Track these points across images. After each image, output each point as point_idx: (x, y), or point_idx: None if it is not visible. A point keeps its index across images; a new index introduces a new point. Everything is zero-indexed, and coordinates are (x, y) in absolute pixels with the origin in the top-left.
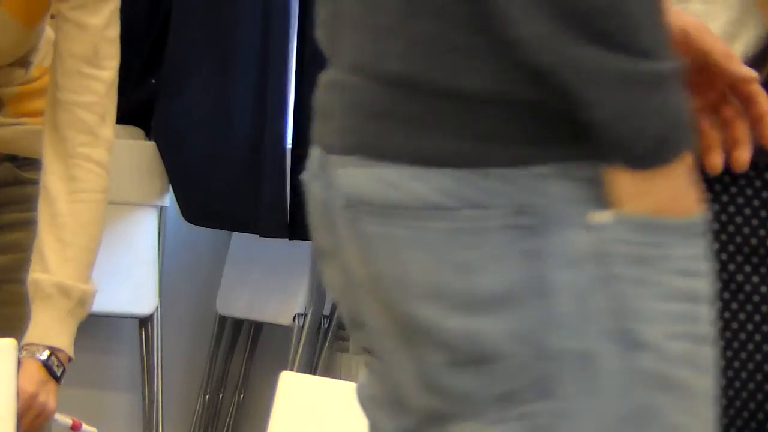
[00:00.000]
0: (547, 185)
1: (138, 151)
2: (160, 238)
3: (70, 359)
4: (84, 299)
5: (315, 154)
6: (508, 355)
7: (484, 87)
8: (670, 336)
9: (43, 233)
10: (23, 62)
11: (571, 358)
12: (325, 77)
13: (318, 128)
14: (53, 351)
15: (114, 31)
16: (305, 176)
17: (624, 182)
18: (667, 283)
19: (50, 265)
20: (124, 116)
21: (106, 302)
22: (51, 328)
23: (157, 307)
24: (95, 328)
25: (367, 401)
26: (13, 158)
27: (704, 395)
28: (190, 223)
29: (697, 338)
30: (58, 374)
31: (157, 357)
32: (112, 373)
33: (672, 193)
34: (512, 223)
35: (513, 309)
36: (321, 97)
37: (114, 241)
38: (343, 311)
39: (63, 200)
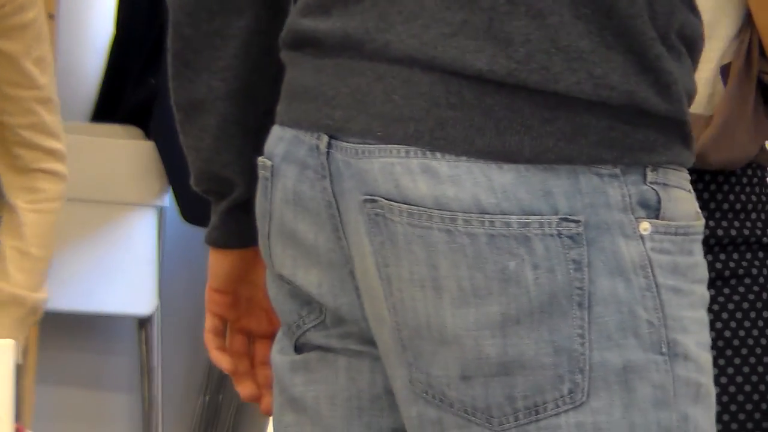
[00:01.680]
0: (607, 186)
1: (137, 151)
2: (160, 238)
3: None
4: (36, 307)
5: (291, 136)
6: (542, 367)
7: (582, 89)
8: (700, 345)
9: (5, 243)
10: None
11: (610, 369)
12: (325, 61)
13: (312, 112)
14: None
15: (39, 50)
16: (270, 158)
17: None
18: (695, 291)
19: (9, 274)
20: (123, 116)
21: (106, 302)
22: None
23: (157, 308)
24: (94, 328)
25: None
26: None
27: (714, 402)
28: (189, 223)
29: (708, 345)
30: None
31: (156, 357)
32: (112, 374)
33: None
34: (558, 231)
35: (553, 319)
36: (320, 80)
37: (113, 242)
38: (323, 305)
39: (24, 210)
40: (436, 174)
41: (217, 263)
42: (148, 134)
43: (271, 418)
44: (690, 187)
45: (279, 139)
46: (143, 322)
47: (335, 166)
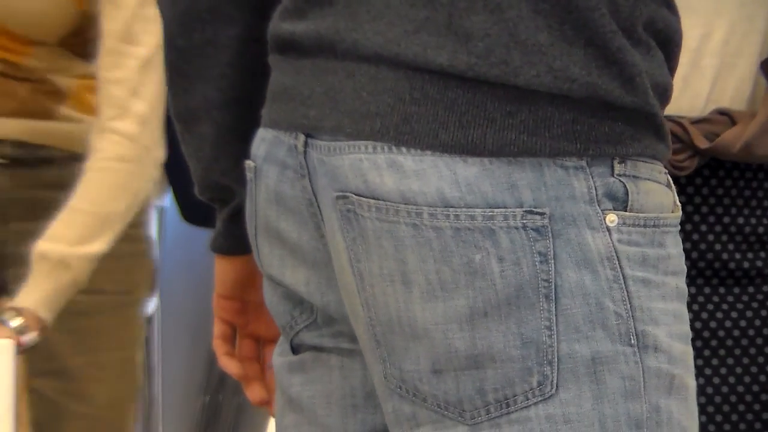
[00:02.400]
0: (573, 178)
1: None
2: (160, 238)
3: (42, 321)
4: (65, 260)
5: (271, 137)
6: (511, 359)
7: (541, 82)
8: (673, 336)
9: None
10: (82, 52)
11: (579, 361)
12: (303, 62)
13: (290, 112)
14: (17, 310)
15: (151, 10)
16: (254, 160)
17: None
18: (667, 283)
19: (48, 231)
20: None
21: None
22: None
23: (157, 308)
24: None
25: (319, 397)
26: (78, 157)
27: (694, 395)
28: (190, 223)
29: (687, 337)
30: (19, 331)
31: (156, 357)
32: None
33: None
34: (523, 223)
35: (520, 312)
36: (298, 80)
37: None
38: (313, 304)
39: (85, 170)
40: (402, 168)
41: (223, 270)
42: None
43: (272, 418)
44: (666, 179)
45: (261, 140)
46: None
47: (312, 164)
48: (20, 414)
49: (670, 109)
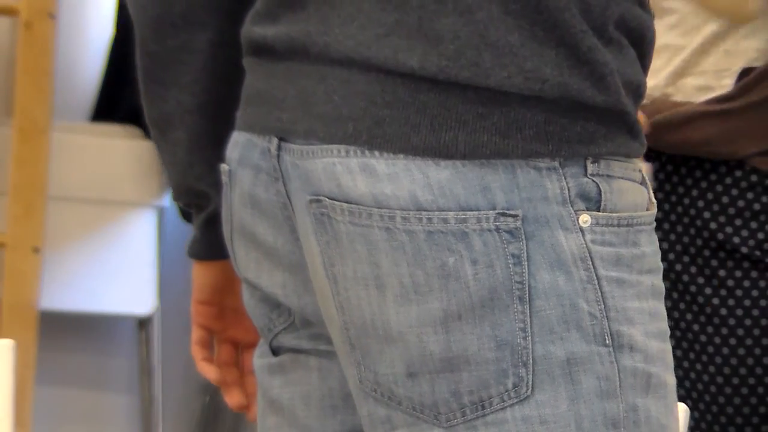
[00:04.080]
0: (546, 179)
1: (137, 151)
2: (160, 238)
3: None
4: None
5: (245, 140)
6: (486, 362)
7: (513, 83)
8: (649, 335)
9: None
10: None
11: (554, 362)
12: (276, 65)
13: (264, 115)
14: None
15: None
16: (228, 163)
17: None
18: (642, 282)
19: None
20: (124, 116)
21: (106, 303)
22: None
23: (157, 308)
24: (94, 328)
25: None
26: None
27: (673, 392)
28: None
29: (665, 335)
30: None
31: (156, 357)
32: (111, 375)
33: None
34: (495, 226)
35: (494, 314)
36: (271, 84)
37: (113, 242)
38: (290, 308)
39: None
40: (374, 172)
41: (201, 275)
42: (148, 134)
43: None
44: (641, 177)
45: (235, 143)
46: (143, 322)
47: (285, 168)
48: (21, 414)
49: None
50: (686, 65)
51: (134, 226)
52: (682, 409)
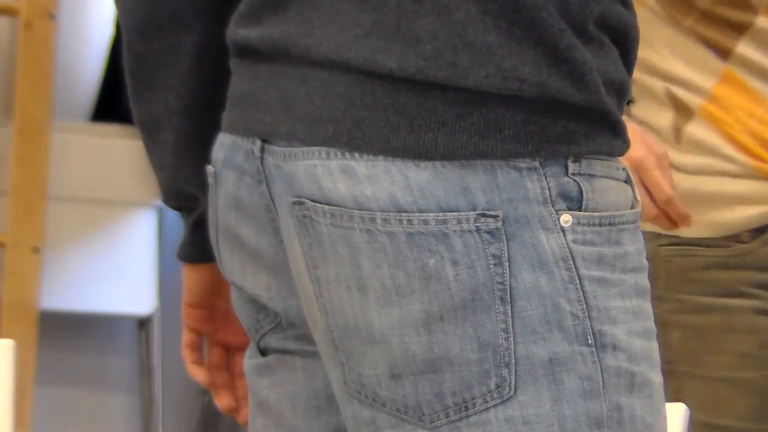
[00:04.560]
0: (526, 180)
1: (138, 151)
2: (160, 238)
3: None
4: None
5: (229, 142)
6: (468, 363)
7: (491, 83)
8: (632, 334)
9: None
10: None
11: (536, 362)
12: (260, 67)
13: (247, 117)
14: None
15: None
16: (213, 165)
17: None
18: (625, 281)
19: None
20: (123, 116)
21: (106, 303)
22: None
23: (157, 308)
24: (94, 328)
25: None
26: None
27: (660, 391)
28: None
29: (650, 334)
30: None
31: (156, 357)
32: (111, 374)
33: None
34: (476, 227)
35: (476, 315)
36: (254, 86)
37: (113, 242)
38: (274, 310)
39: None
40: (355, 174)
41: (190, 278)
42: None
43: None
44: (624, 175)
45: (220, 145)
46: (143, 322)
47: (269, 170)
48: (21, 414)
49: None
50: None
51: (134, 226)
52: (682, 409)
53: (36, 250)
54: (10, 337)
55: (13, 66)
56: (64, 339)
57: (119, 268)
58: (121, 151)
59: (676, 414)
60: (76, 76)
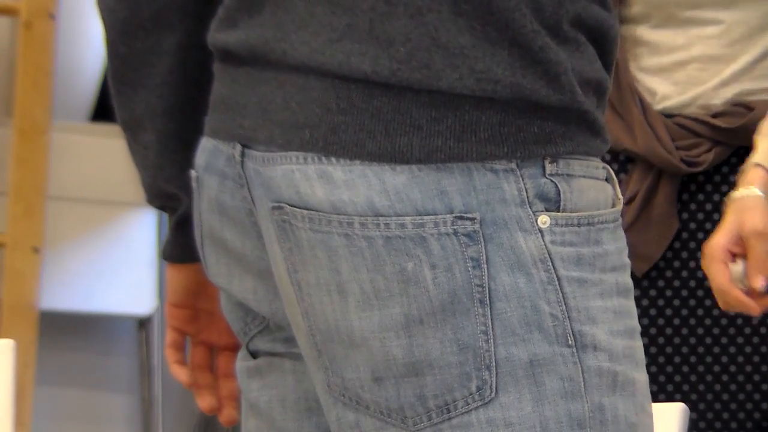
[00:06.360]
0: (503, 181)
1: None
2: (160, 238)
3: None
4: None
5: (211, 146)
6: (449, 365)
7: (465, 84)
8: (614, 333)
9: None
10: None
11: (517, 364)
12: (239, 71)
13: (228, 122)
14: None
15: None
16: (196, 169)
17: None
18: (605, 280)
19: None
20: None
21: (105, 303)
22: None
23: (157, 308)
24: (94, 329)
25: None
26: None
27: (645, 389)
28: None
29: (633, 332)
30: None
31: (156, 357)
32: (111, 375)
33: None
34: (453, 229)
35: (455, 318)
36: (234, 90)
37: (113, 242)
38: (261, 313)
39: None
40: (332, 179)
41: (174, 278)
42: None
43: None
44: (604, 174)
45: (203, 149)
46: (143, 322)
47: (249, 174)
48: (21, 414)
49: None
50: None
51: (134, 226)
52: (681, 409)
53: (36, 250)
54: (10, 337)
55: (13, 66)
56: (64, 339)
57: (119, 268)
58: (121, 151)
59: (676, 414)
60: (76, 76)
